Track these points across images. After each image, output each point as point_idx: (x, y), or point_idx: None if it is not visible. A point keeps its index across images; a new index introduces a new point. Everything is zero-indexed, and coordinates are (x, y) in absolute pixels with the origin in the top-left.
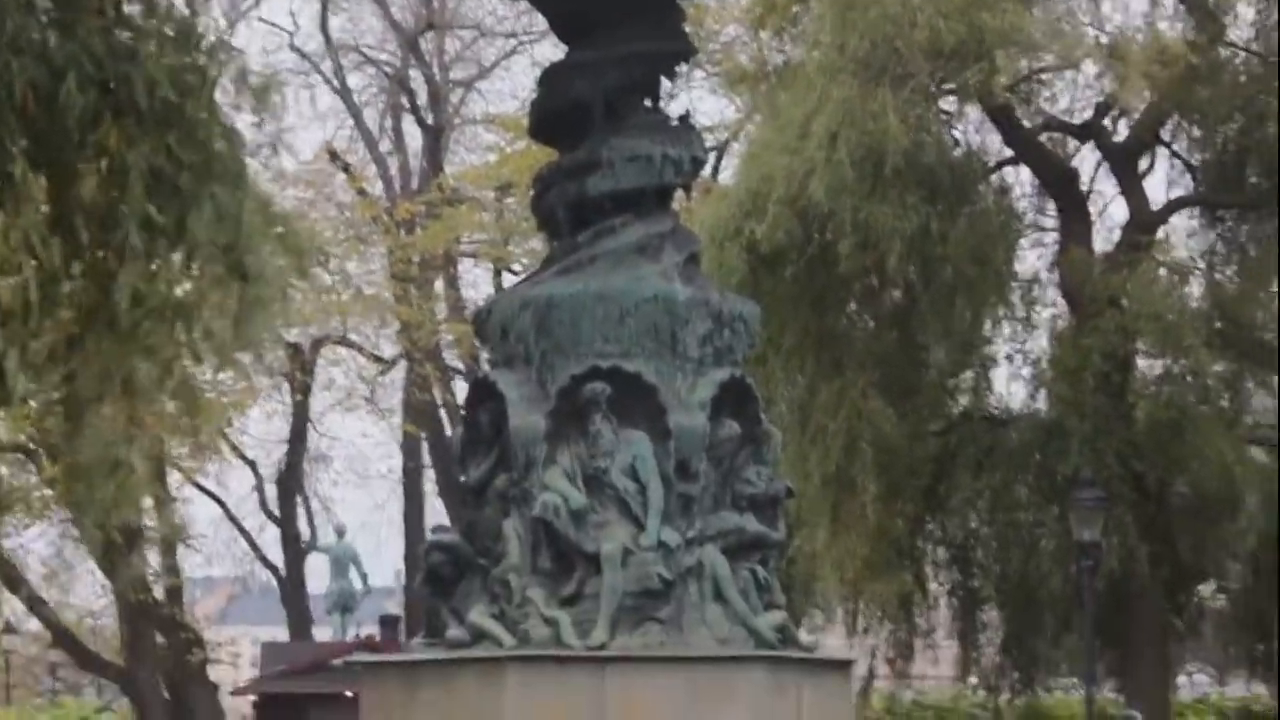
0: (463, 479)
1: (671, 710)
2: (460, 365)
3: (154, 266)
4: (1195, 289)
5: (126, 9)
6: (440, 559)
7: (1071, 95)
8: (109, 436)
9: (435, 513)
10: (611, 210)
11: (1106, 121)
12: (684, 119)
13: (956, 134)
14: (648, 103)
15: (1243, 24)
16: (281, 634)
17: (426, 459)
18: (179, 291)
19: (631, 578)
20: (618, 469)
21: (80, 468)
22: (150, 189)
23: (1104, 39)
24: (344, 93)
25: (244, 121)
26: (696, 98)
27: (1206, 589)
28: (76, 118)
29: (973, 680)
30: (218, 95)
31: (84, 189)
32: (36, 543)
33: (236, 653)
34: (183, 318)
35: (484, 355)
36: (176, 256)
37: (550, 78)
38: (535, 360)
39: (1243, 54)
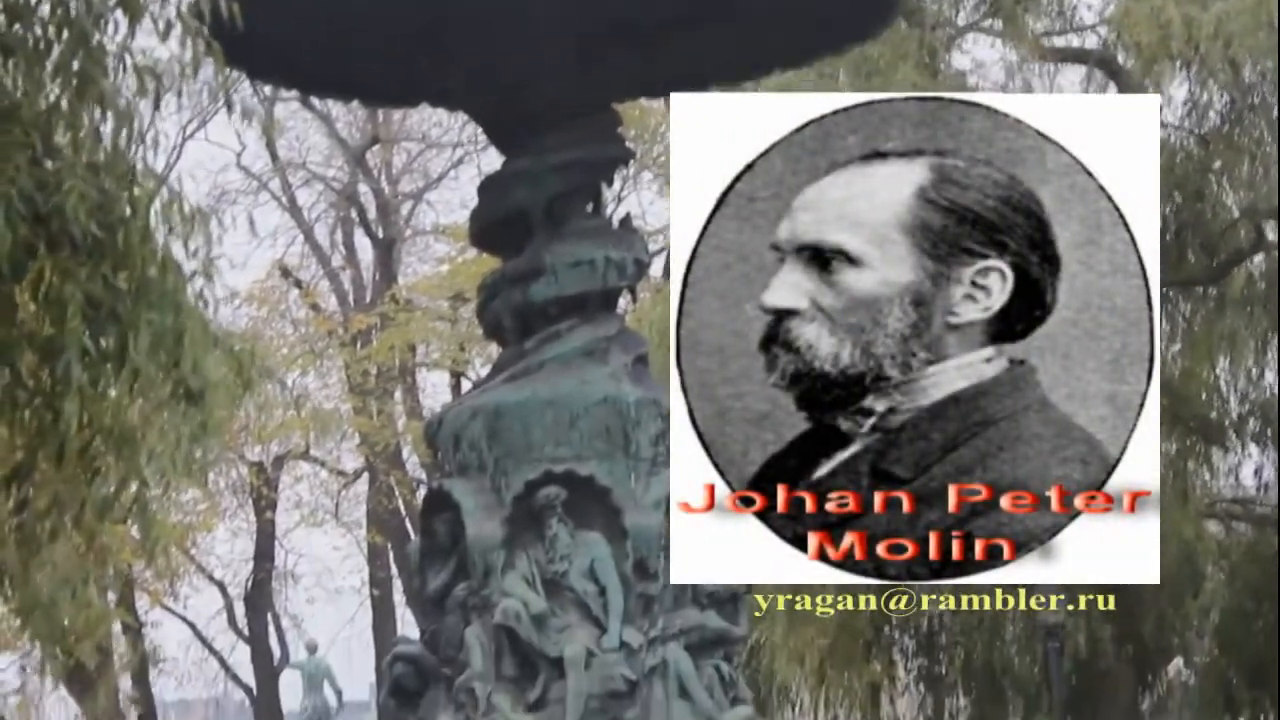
0: (423, 589)
1: None
2: (423, 474)
3: (100, 392)
4: None
5: (56, 140)
6: (404, 670)
7: None
8: (66, 568)
9: (407, 624)
10: (557, 316)
11: None
12: (625, 222)
13: None
14: (588, 208)
15: None
16: None
17: (394, 569)
18: (125, 416)
19: (595, 680)
20: (576, 572)
21: (38, 599)
22: (89, 318)
23: None
24: (293, 210)
25: (181, 247)
26: (646, 200)
27: (1173, 667)
28: (8, 253)
29: None
30: (152, 221)
31: (23, 319)
32: (6, 672)
33: None
34: (128, 443)
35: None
36: (119, 383)
37: (489, 187)
38: (489, 468)
39: None
